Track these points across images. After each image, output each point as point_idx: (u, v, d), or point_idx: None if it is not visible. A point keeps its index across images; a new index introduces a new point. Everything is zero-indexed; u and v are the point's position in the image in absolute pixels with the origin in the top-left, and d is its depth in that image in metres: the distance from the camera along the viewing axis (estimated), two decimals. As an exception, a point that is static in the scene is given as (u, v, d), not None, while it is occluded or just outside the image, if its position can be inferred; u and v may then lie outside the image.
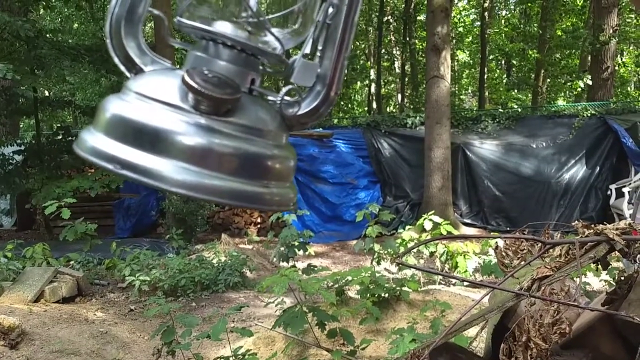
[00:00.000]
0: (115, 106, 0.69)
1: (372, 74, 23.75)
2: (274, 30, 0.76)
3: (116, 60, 0.76)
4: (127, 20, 0.75)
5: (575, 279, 1.95)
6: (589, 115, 11.78)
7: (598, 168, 11.41)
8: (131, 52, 0.76)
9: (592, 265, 1.48)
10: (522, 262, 1.78)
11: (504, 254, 1.86)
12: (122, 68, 0.76)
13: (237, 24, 0.74)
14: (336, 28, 0.74)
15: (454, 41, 22.34)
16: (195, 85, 0.64)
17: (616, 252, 1.39)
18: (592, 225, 1.47)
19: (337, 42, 0.74)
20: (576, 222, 1.53)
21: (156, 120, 0.65)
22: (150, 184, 0.64)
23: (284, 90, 0.76)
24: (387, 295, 4.97)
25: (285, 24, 0.79)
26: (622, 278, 1.50)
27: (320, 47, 0.76)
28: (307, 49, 0.76)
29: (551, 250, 1.59)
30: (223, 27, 0.73)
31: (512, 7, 26.19)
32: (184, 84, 0.65)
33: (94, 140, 0.69)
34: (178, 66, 0.79)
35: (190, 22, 0.74)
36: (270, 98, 0.79)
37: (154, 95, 0.68)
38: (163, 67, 0.77)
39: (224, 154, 0.66)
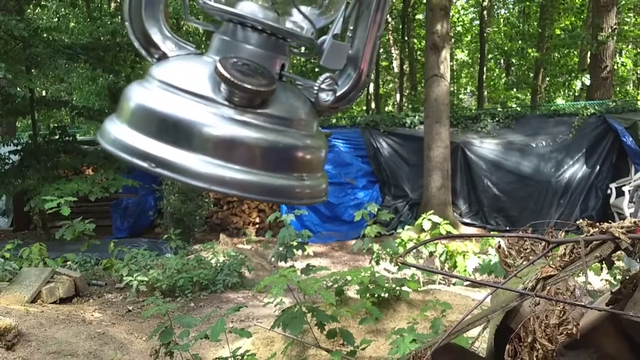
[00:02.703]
0: (140, 96, 0.66)
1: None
2: (302, 8, 0.71)
3: (136, 44, 0.72)
4: (147, 1, 0.71)
5: (580, 278, 1.92)
6: (588, 114, 11.77)
7: (598, 167, 11.41)
8: (153, 36, 0.72)
9: (594, 265, 1.45)
10: (526, 262, 1.76)
11: (507, 253, 1.84)
12: (143, 52, 0.73)
13: (263, 4, 0.70)
14: (368, 5, 0.70)
15: (453, 40, 22.34)
16: (231, 77, 0.61)
17: (621, 250, 1.37)
18: (597, 224, 1.44)
19: (370, 20, 0.70)
20: (580, 220, 1.50)
21: (190, 114, 0.62)
22: (187, 182, 0.62)
23: (322, 77, 0.72)
24: (386, 295, 4.96)
25: (313, 1, 0.74)
26: (627, 277, 1.47)
27: (351, 27, 0.72)
28: (337, 29, 0.72)
29: (555, 249, 1.57)
30: (249, 8, 0.69)
31: (511, 6, 26.19)
32: (218, 75, 0.61)
33: (121, 133, 0.65)
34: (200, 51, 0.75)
35: (216, 4, 0.70)
36: (298, 83, 0.75)
37: (183, 85, 0.64)
38: (188, 52, 0.73)
39: (258, 148, 0.63)
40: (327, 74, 0.72)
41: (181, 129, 0.62)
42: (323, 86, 0.72)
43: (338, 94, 0.72)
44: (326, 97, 0.72)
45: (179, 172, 0.61)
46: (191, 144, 0.61)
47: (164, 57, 0.72)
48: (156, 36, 0.72)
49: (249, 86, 0.61)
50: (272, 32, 0.68)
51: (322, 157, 0.71)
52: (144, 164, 0.62)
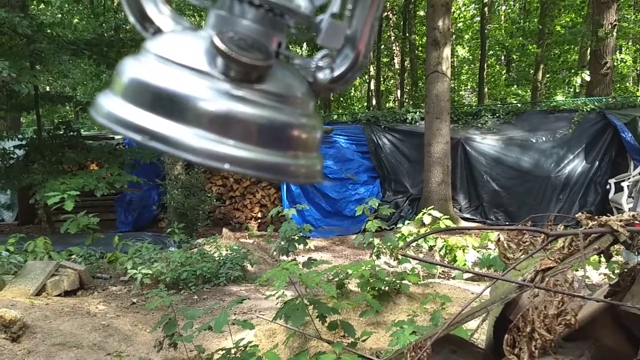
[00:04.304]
0: (135, 69, 0.65)
1: (372, 69, 23.73)
2: None
3: (131, 18, 0.71)
4: None
5: (579, 270, 1.96)
6: (588, 110, 11.80)
7: (597, 162, 11.44)
8: (148, 10, 0.71)
9: (592, 258, 1.48)
10: (525, 255, 1.79)
11: (506, 246, 1.87)
12: (138, 27, 0.72)
13: None
14: None
15: (454, 37, 22.31)
16: (228, 50, 0.60)
17: (619, 244, 1.40)
18: (596, 217, 1.47)
19: (369, 0, 0.69)
20: (580, 213, 1.53)
21: (184, 87, 0.61)
22: (181, 156, 0.61)
23: (318, 55, 0.72)
24: (387, 288, 5.00)
25: None
26: (625, 270, 1.50)
27: (350, 6, 0.70)
28: (336, 8, 0.70)
29: (554, 242, 1.60)
30: None
31: (512, 2, 26.16)
32: (214, 47, 0.60)
33: (115, 107, 0.64)
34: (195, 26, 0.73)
35: None
36: (296, 61, 0.74)
37: (178, 59, 0.63)
38: (183, 27, 0.72)
39: (253, 124, 0.63)
40: (324, 52, 0.72)
41: (176, 102, 0.61)
42: (320, 64, 0.72)
43: (335, 74, 0.72)
44: (323, 76, 0.72)
45: (173, 145, 0.60)
46: (186, 117, 0.61)
47: (159, 32, 0.71)
48: (151, 10, 0.71)
49: (246, 60, 0.61)
50: (269, 8, 0.67)
51: (318, 137, 0.70)
52: (138, 137, 0.61)
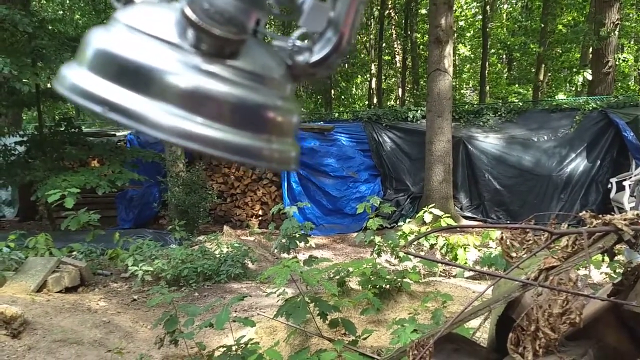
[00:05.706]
0: (102, 39, 0.62)
1: (373, 67, 23.72)
2: None
3: None
4: None
5: (582, 269, 1.96)
6: (590, 109, 11.78)
7: (599, 161, 11.43)
8: None
9: (595, 258, 1.47)
10: (528, 253, 1.78)
11: (509, 244, 1.87)
12: None
13: None
14: None
15: (456, 35, 22.29)
16: (198, 21, 0.58)
17: (623, 243, 1.40)
18: (600, 216, 1.46)
19: None
20: (584, 212, 1.52)
21: (151, 59, 0.58)
22: (142, 130, 0.57)
23: (295, 34, 0.68)
24: (388, 286, 5.00)
25: None
26: (629, 269, 1.50)
27: None
28: None
29: (557, 240, 1.59)
30: None
31: (514, 0, 26.13)
32: (184, 18, 0.58)
33: (77, 77, 0.61)
34: None
35: None
36: (275, 42, 0.71)
37: (147, 29, 0.60)
38: None
39: (224, 102, 0.59)
40: (302, 30, 0.68)
41: (142, 74, 0.58)
42: (297, 43, 0.69)
43: (317, 58, 0.68)
44: (303, 58, 0.69)
45: (136, 119, 0.57)
46: (151, 90, 0.58)
47: (130, 2, 0.68)
48: None
49: (217, 32, 0.58)
50: None
51: (293, 122, 0.67)
52: (99, 109, 0.58)
